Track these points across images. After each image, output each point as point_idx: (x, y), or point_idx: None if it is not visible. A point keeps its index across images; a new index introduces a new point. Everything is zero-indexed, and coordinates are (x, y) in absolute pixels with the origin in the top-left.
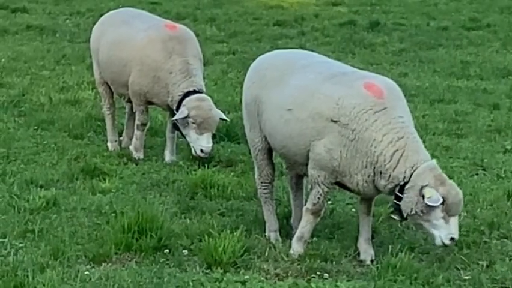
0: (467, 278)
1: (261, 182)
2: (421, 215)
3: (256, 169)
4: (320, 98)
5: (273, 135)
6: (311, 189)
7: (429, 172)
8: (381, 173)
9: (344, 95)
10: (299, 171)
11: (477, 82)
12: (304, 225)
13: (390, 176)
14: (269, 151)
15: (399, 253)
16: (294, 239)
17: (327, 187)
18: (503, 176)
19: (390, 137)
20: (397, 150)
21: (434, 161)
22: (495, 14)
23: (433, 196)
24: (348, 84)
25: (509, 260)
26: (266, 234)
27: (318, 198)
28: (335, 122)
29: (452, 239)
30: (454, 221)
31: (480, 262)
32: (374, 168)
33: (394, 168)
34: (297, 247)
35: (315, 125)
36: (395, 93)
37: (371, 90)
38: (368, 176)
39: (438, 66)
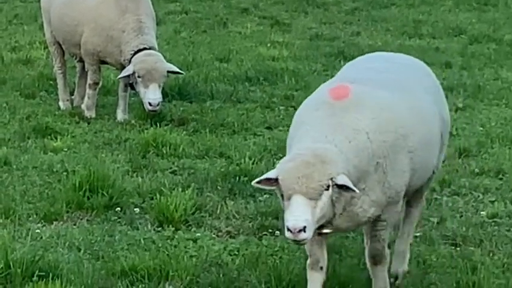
0: (418, 234)
1: None
2: None
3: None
4: None
5: None
6: None
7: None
8: None
9: (308, 100)
10: None
11: (429, 41)
12: None
13: None
14: None
15: None
16: None
17: None
18: (455, 133)
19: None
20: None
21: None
22: None
23: None
24: (321, 88)
25: (460, 217)
26: None
27: None
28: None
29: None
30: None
31: (431, 219)
32: None
33: None
34: None
35: None
36: (364, 101)
37: (333, 91)
38: None
39: (390, 25)
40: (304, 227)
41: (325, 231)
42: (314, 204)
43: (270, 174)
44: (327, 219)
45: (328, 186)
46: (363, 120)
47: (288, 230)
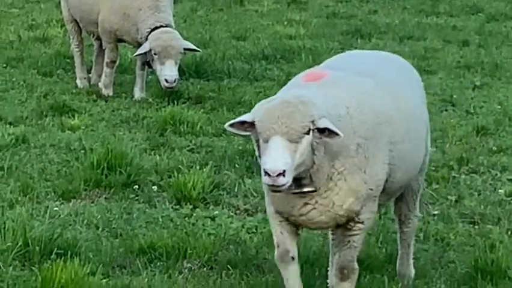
0: (436, 212)
1: None
2: None
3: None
4: None
5: None
6: None
7: None
8: None
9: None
10: None
11: (446, 19)
12: None
13: None
14: None
15: None
16: None
17: None
18: (472, 111)
19: None
20: None
21: None
22: None
23: None
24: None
25: (478, 195)
26: None
27: None
28: None
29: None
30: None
31: (449, 197)
32: None
33: None
34: None
35: None
36: (341, 81)
37: (308, 75)
38: None
39: (408, 3)
40: (284, 171)
41: (306, 189)
42: (294, 147)
43: (245, 117)
44: (306, 168)
45: (309, 130)
46: (342, 95)
47: (266, 173)
